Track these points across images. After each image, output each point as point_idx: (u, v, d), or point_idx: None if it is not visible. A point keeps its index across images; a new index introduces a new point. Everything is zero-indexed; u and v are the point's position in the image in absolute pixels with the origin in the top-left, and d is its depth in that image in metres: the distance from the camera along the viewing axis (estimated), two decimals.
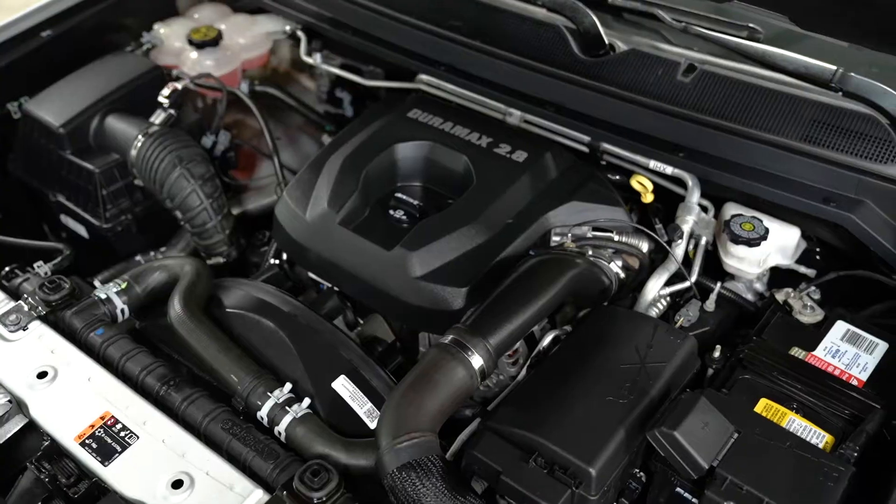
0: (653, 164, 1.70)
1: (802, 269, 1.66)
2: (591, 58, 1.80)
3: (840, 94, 1.56)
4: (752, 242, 1.57)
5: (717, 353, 1.46)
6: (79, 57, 2.06)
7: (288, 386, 1.35)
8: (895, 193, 1.53)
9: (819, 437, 1.30)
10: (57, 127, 1.85)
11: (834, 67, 1.55)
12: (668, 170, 1.69)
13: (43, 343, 1.41)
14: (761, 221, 1.60)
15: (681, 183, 1.69)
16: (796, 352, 1.44)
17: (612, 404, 1.31)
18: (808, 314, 1.51)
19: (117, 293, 1.50)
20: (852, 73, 1.55)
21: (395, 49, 2.00)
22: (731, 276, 1.68)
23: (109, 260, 1.93)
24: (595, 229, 1.59)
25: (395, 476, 1.19)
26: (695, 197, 1.66)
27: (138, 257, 1.90)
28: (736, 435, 1.24)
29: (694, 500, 1.27)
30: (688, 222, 1.63)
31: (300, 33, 2.18)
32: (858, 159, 1.56)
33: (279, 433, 1.31)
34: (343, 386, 1.41)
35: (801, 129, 1.60)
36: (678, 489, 1.28)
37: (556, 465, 1.24)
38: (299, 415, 1.30)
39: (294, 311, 1.51)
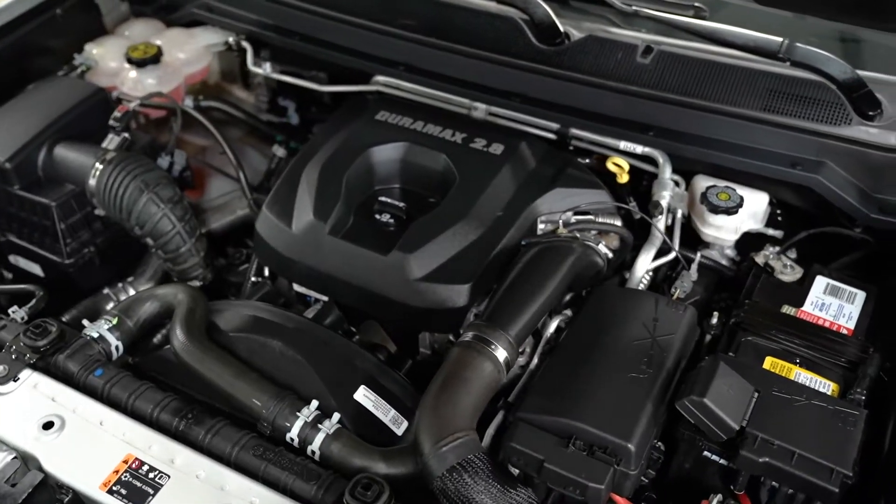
0: (623, 144, 1.76)
1: (770, 232, 1.75)
2: (549, 47, 1.84)
3: (788, 63, 1.65)
4: (731, 211, 1.64)
5: (714, 320, 1.53)
6: (2, 86, 1.93)
7: (315, 403, 1.32)
8: (852, 153, 1.64)
9: (826, 387, 1.38)
10: (2, 162, 1.73)
11: (780, 39, 1.64)
12: (639, 149, 1.75)
13: (40, 391, 1.32)
14: (735, 190, 1.68)
15: (651, 161, 1.76)
16: (787, 309, 1.53)
17: (635, 380, 1.35)
18: (789, 273, 1.60)
19: (110, 330, 1.43)
20: (798, 44, 1.64)
21: (349, 52, 1.98)
22: (706, 245, 1.76)
23: (69, 297, 1.82)
24: (579, 213, 1.63)
25: (445, 479, 1.19)
26: (667, 173, 1.73)
27: (106, 290, 1.80)
28: (756, 394, 1.31)
29: (722, 461, 1.32)
30: (665, 197, 1.70)
31: (245, 43, 2.11)
32: (816, 123, 1.66)
33: (313, 452, 1.28)
34: (365, 396, 1.39)
35: (759, 100, 1.69)
36: (705, 453, 1.33)
37: (595, 446, 1.27)
38: (332, 431, 1.28)
39: (300, 326, 1.48)
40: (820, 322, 1.50)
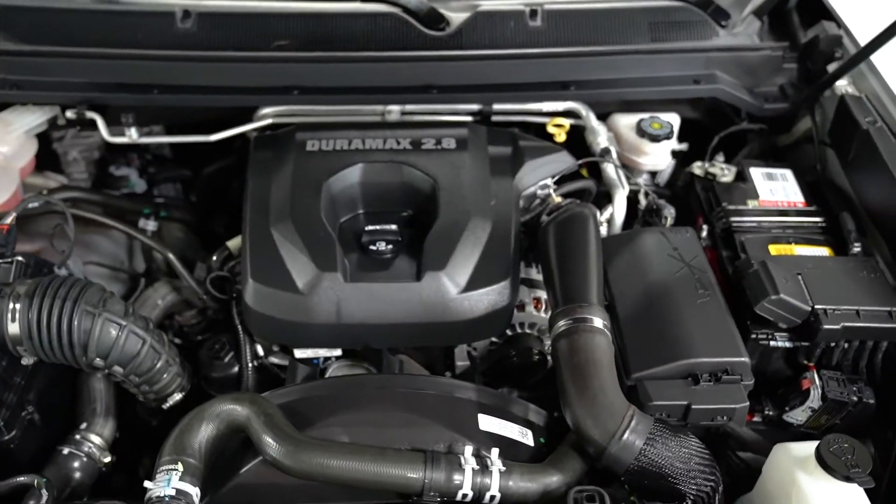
0: (545, 106, 1.82)
1: (680, 147, 1.95)
2: (438, 32, 1.82)
3: None
4: (669, 136, 1.80)
5: (704, 233, 1.68)
6: None
7: (468, 449, 1.22)
8: (730, 59, 1.88)
9: (823, 253, 1.61)
10: None
11: None
12: (561, 106, 1.82)
13: None
14: (658, 117, 1.84)
15: (573, 115, 1.84)
16: (752, 203, 1.73)
17: (705, 304, 1.45)
18: (728, 174, 1.81)
19: (182, 479, 1.16)
20: None
21: (226, 91, 1.77)
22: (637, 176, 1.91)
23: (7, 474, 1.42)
24: (557, 179, 1.68)
25: (642, 457, 1.19)
26: (593, 119, 1.83)
27: (66, 450, 1.44)
28: (799, 275, 1.48)
29: (788, 344, 1.48)
30: (604, 142, 1.80)
31: (92, 114, 1.76)
32: (696, 41, 1.87)
33: (492, 497, 1.19)
34: (488, 422, 1.31)
35: (646, 34, 1.85)
36: (773, 343, 1.48)
37: (718, 373, 1.35)
38: (504, 468, 1.20)
39: (381, 384, 1.34)
40: (781, 205, 1.72)
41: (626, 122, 1.86)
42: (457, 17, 1.84)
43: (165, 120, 1.85)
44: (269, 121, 1.80)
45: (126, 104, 1.76)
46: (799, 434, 1.50)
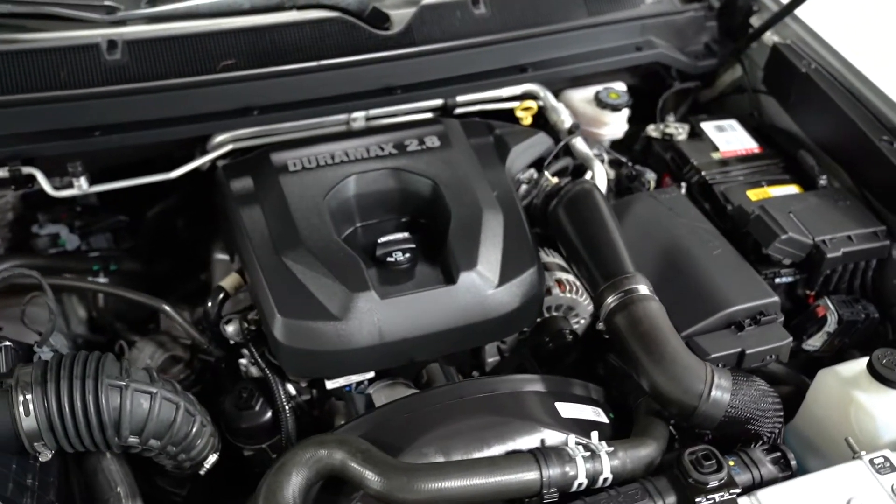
0: (506, 92, 1.82)
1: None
2: (386, 32, 1.77)
3: None
4: (628, 104, 1.86)
5: (683, 190, 1.76)
6: None
7: (571, 438, 1.20)
8: (660, 23, 1.96)
9: (794, 191, 1.73)
10: None
11: None
12: (519, 90, 1.84)
13: None
14: (612, 87, 1.89)
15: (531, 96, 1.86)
16: (715, 156, 1.83)
17: (720, 255, 1.53)
18: (682, 131, 1.90)
19: None
20: None
21: (177, 122, 1.62)
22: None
23: None
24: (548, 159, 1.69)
25: (730, 409, 1.23)
26: (552, 99, 1.85)
27: None
28: (790, 214, 1.59)
29: (790, 279, 1.59)
30: (568, 118, 1.83)
31: (30, 169, 1.55)
32: (626, 10, 1.94)
33: (605, 479, 1.19)
34: (566, 409, 1.31)
35: (583, 9, 1.90)
36: (777, 280, 1.58)
37: (756, 317, 1.42)
38: (610, 448, 1.20)
39: (453, 394, 1.29)
40: (740, 153, 1.84)
41: (579, 96, 1.90)
42: (401, 14, 1.79)
43: (113, 163, 1.65)
44: (228, 147, 1.67)
45: (65, 152, 1.56)
46: (810, 360, 1.61)
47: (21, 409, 1.17)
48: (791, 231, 1.52)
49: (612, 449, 1.20)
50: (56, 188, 1.57)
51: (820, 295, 1.60)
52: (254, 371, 1.59)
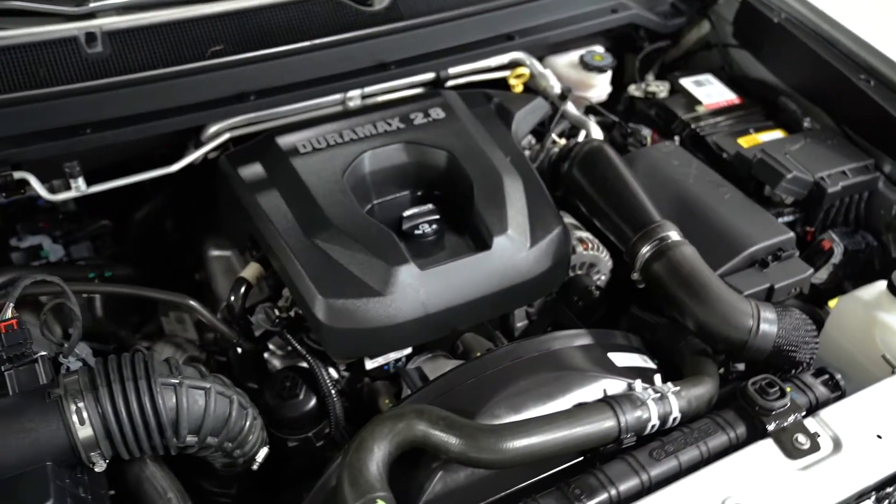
0: (494, 61, 1.83)
1: None
2: (369, 7, 1.74)
3: None
4: (612, 65, 1.89)
5: (678, 141, 1.81)
6: None
7: (638, 383, 1.22)
8: None
9: (778, 135, 1.80)
10: None
11: None
12: (506, 58, 1.84)
13: None
14: (595, 49, 1.92)
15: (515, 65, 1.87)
16: (700, 108, 1.89)
17: (731, 198, 1.59)
18: (663, 89, 1.95)
19: None
20: None
21: (172, 113, 1.55)
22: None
23: None
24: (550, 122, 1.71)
25: (777, 339, 1.28)
26: (538, 65, 1.87)
27: None
28: (787, 155, 1.66)
29: (791, 218, 1.66)
30: (557, 83, 1.85)
31: (22, 174, 1.44)
32: None
33: (675, 419, 1.21)
34: (620, 358, 1.33)
35: None
36: (779, 220, 1.65)
37: (776, 253, 1.48)
38: (676, 388, 1.22)
39: (510, 356, 1.29)
40: (723, 105, 1.90)
41: (562, 62, 1.93)
42: None
43: (104, 163, 1.56)
44: (226, 136, 1.61)
45: (56, 153, 1.47)
46: (812, 294, 1.69)
47: (75, 417, 1.11)
48: (794, 170, 1.58)
49: (677, 389, 1.23)
50: (53, 192, 1.47)
51: (819, 231, 1.68)
52: (277, 363, 1.55)
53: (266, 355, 1.55)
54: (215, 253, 1.80)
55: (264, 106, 1.61)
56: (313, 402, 1.40)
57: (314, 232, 1.38)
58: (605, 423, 1.16)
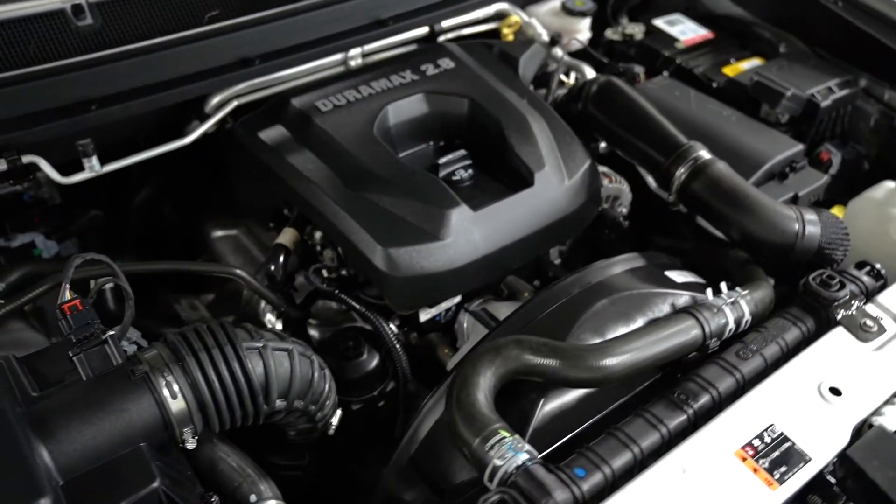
0: (481, 13, 1.83)
1: None
2: None
3: None
4: (593, 9, 1.93)
5: (667, 73, 1.86)
6: None
7: (709, 291, 1.27)
8: None
9: (758, 63, 1.89)
10: None
11: None
12: (493, 9, 1.85)
13: None
14: None
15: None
16: (679, 45, 1.95)
17: (738, 120, 1.66)
18: (639, 31, 2.00)
19: (518, 443, 1.03)
20: None
21: (175, 83, 1.47)
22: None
23: None
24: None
25: (824, 233, 1.35)
26: (523, 14, 1.88)
27: None
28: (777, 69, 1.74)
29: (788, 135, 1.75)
30: (542, 30, 1.87)
31: (32, 158, 1.33)
32: None
33: (747, 321, 1.25)
34: (675, 275, 1.38)
35: None
36: None
37: (791, 165, 1.56)
38: (745, 291, 1.27)
39: (578, 284, 1.30)
40: (699, 40, 1.97)
41: (544, 10, 1.95)
42: None
43: (108, 141, 1.46)
44: (234, 104, 1.54)
45: (64, 133, 1.37)
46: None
47: (166, 392, 1.04)
48: (797, 89, 1.67)
49: (745, 293, 1.27)
50: (65, 175, 1.37)
51: (810, 146, 1.77)
52: (315, 334, 1.51)
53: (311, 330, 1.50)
54: (219, 234, 1.73)
55: (270, 70, 1.55)
56: (377, 360, 1.38)
57: (359, 185, 1.35)
58: (691, 332, 1.19)
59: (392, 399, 1.42)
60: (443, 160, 1.45)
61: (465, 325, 1.45)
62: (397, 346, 1.36)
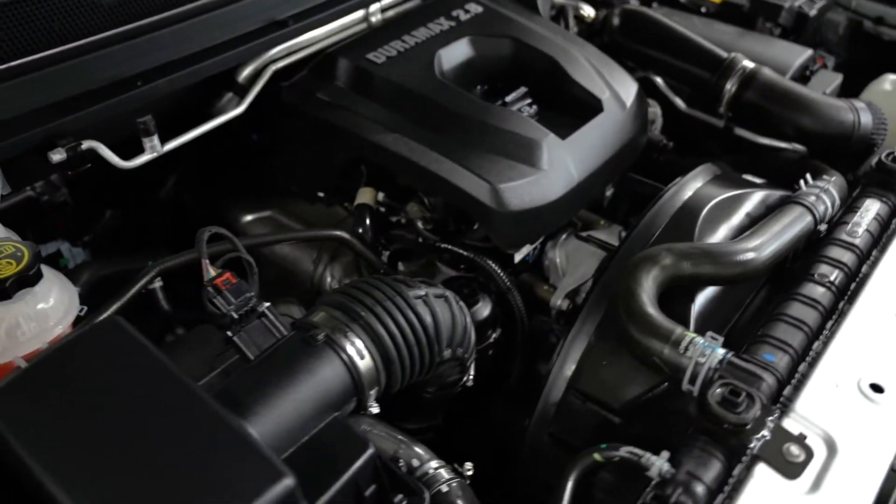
0: None
1: None
2: None
3: None
4: None
5: (661, 7, 1.93)
6: None
7: (801, 183, 1.34)
8: None
9: None
10: None
11: None
12: None
13: None
14: None
15: None
16: None
17: (747, 36, 1.73)
18: None
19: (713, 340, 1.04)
20: None
21: (216, 51, 1.36)
22: None
23: None
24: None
25: (874, 120, 1.45)
26: None
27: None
28: None
29: None
30: None
31: (90, 142, 1.18)
32: None
33: (836, 205, 1.32)
34: (749, 177, 1.43)
35: None
36: None
37: (807, 69, 1.66)
38: (831, 177, 1.36)
39: (677, 200, 1.32)
40: None
41: None
42: None
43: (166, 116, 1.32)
44: (271, 69, 1.44)
45: (115, 113, 1.23)
46: None
47: (353, 352, 0.97)
48: (787, 0, 1.77)
49: (832, 179, 1.35)
50: (126, 158, 1.23)
51: None
52: None
53: None
54: (251, 217, 1.62)
55: (302, 30, 1.47)
56: (490, 306, 1.34)
57: (446, 128, 1.31)
58: (805, 218, 1.25)
59: (498, 347, 1.39)
60: (509, 98, 1.43)
61: (556, 259, 1.44)
62: (509, 284, 1.34)
